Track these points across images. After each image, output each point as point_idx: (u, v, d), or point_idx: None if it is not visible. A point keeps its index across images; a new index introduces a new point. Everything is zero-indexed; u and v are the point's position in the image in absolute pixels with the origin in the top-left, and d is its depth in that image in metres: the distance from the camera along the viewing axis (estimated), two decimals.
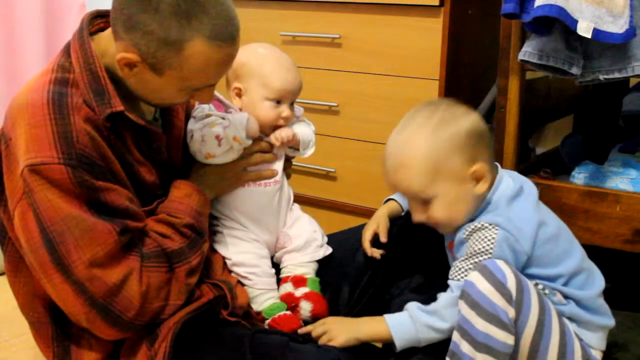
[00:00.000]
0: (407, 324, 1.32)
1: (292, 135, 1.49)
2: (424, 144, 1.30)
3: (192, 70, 1.23)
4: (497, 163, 1.41)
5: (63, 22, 2.29)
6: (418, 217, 1.37)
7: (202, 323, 1.32)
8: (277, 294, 1.48)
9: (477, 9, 2.16)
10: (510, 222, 1.30)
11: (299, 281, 1.49)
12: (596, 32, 1.48)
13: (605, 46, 1.53)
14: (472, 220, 1.35)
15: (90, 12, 1.36)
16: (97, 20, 1.35)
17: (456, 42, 2.09)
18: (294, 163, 1.63)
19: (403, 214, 1.56)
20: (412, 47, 2.13)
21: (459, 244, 1.36)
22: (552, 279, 1.33)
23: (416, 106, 1.39)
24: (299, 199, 1.65)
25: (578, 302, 1.34)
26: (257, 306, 1.45)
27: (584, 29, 1.47)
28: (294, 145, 1.52)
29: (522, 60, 1.60)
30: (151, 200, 1.36)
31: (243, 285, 1.46)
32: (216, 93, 1.47)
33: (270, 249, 1.54)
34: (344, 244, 1.58)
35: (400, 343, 1.32)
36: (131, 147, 1.32)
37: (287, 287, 1.49)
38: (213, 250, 1.47)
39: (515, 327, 1.24)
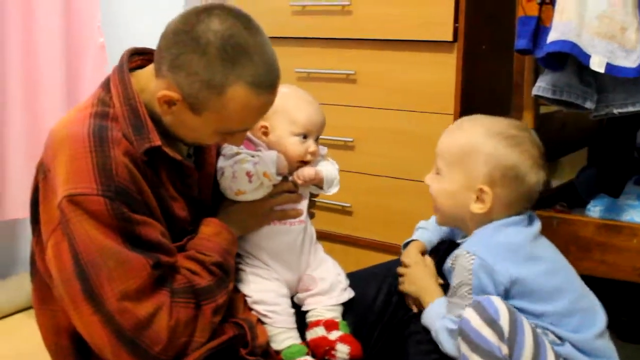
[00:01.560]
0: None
1: (314, 173, 1.51)
2: (482, 135, 1.35)
3: (230, 113, 1.26)
4: (532, 214, 1.41)
5: (82, 60, 2.32)
6: (428, 178, 1.43)
7: None
8: (297, 334, 1.48)
9: (491, 44, 2.18)
10: (488, 250, 1.31)
11: (331, 325, 1.49)
12: (609, 67, 1.49)
13: (618, 80, 1.54)
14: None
15: (129, 49, 1.40)
16: (135, 58, 1.39)
17: (470, 76, 2.10)
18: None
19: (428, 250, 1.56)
20: (427, 83, 2.14)
21: (447, 272, 1.40)
22: (537, 315, 1.30)
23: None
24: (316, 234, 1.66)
25: (574, 345, 1.31)
26: (276, 345, 1.45)
27: (597, 64, 1.48)
28: (317, 183, 1.54)
29: (536, 96, 1.62)
30: (181, 236, 1.38)
31: (263, 323, 1.46)
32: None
33: (291, 289, 1.54)
34: (361, 284, 1.58)
35: None
36: (166, 182, 1.34)
37: (319, 331, 1.48)
38: (235, 288, 1.48)
39: None
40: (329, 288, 1.53)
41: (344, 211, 2.37)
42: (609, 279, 1.62)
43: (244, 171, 1.42)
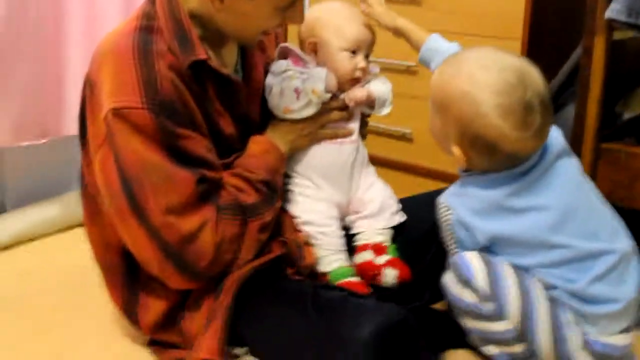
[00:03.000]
0: None
1: (366, 94, 1.47)
2: (459, 91, 1.24)
3: None
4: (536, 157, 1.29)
5: None
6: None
7: (267, 279, 1.33)
8: (345, 257, 1.47)
9: None
10: (466, 205, 1.27)
11: (379, 249, 1.47)
12: None
13: None
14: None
15: None
16: None
17: None
18: (370, 123, 1.61)
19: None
20: (493, 6, 2.05)
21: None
22: (524, 268, 1.26)
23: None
24: (374, 160, 1.63)
25: (566, 291, 1.25)
26: (323, 267, 1.45)
27: None
28: (368, 104, 1.50)
29: (609, 19, 1.53)
30: (229, 153, 1.37)
31: (311, 245, 1.46)
32: (294, 48, 1.48)
33: (341, 211, 1.52)
34: (414, 208, 1.55)
35: None
36: (212, 97, 1.33)
37: (367, 255, 1.47)
38: (283, 209, 1.47)
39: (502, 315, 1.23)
40: (378, 210, 1.51)
41: (404, 138, 2.33)
42: None
43: (292, 88, 1.40)
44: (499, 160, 1.25)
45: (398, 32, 1.56)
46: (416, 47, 1.53)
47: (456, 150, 1.27)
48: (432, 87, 1.31)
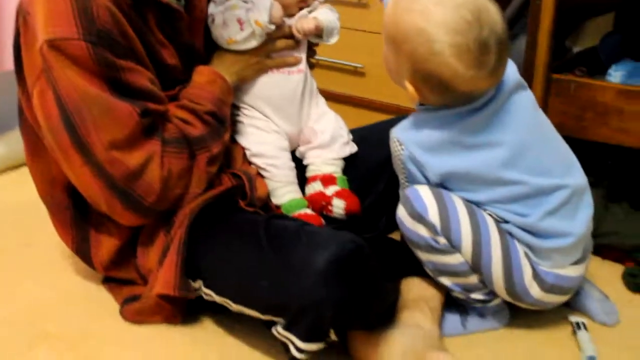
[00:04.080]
0: None
1: (314, 25, 1.44)
2: (413, 27, 1.18)
3: None
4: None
5: None
6: None
7: (220, 211, 1.32)
8: (297, 188, 1.47)
9: None
10: (417, 142, 1.26)
11: (328, 180, 1.47)
12: None
13: None
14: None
15: None
16: None
17: None
18: (321, 58, 1.59)
19: None
20: None
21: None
22: (477, 203, 1.27)
23: None
24: (326, 95, 1.61)
25: (518, 226, 1.26)
26: (276, 199, 1.44)
27: None
28: (317, 33, 1.47)
29: None
30: (173, 85, 1.34)
31: (263, 177, 1.45)
32: None
33: (292, 143, 1.51)
34: (365, 139, 1.55)
35: None
36: (153, 27, 1.29)
37: (316, 186, 1.47)
38: (233, 141, 1.46)
39: (456, 248, 1.25)
40: (329, 141, 1.49)
41: (357, 72, 2.31)
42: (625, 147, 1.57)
43: (235, 18, 1.37)
44: (453, 98, 1.23)
45: None
46: None
47: (409, 86, 1.24)
48: (385, 21, 1.26)
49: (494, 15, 1.19)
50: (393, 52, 1.25)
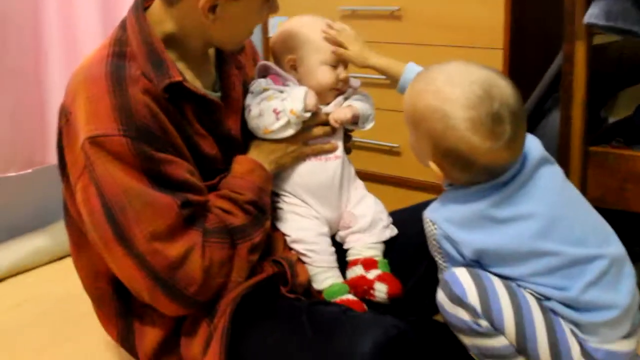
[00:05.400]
0: None
1: (350, 115, 1.47)
2: (427, 106, 1.23)
3: None
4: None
5: (120, 3, 2.31)
6: None
7: (262, 298, 1.32)
8: (338, 273, 1.46)
9: None
10: (449, 220, 1.26)
11: (369, 264, 1.46)
12: None
13: None
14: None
15: None
16: None
17: (519, 8, 2.02)
18: (357, 139, 1.61)
19: None
20: (474, 17, 2.07)
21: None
22: (514, 279, 1.24)
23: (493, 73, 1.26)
24: (363, 176, 1.63)
25: (559, 301, 1.23)
26: (317, 285, 1.44)
27: None
28: (354, 121, 1.50)
29: (588, 23, 1.53)
30: (213, 175, 1.36)
31: (304, 263, 1.45)
32: (274, 66, 1.48)
33: (332, 227, 1.52)
34: (405, 222, 1.54)
35: None
36: (191, 119, 1.32)
37: (357, 270, 1.46)
38: (274, 227, 1.46)
39: (499, 331, 1.22)
40: (369, 225, 1.50)
41: (392, 152, 2.33)
42: None
43: (271, 108, 1.40)
44: (476, 173, 1.24)
45: (375, 70, 1.56)
46: (395, 81, 1.54)
47: (433, 165, 1.26)
48: (404, 104, 1.31)
49: (505, 89, 1.22)
50: (414, 133, 1.29)
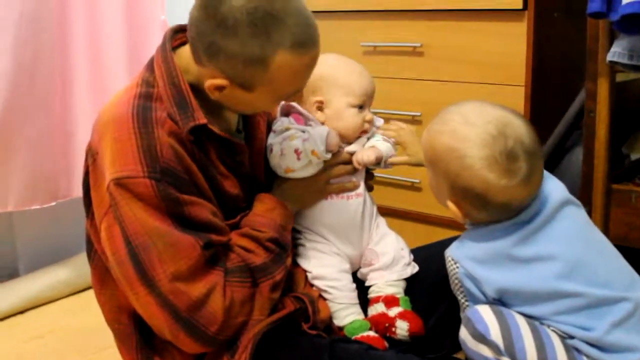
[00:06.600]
0: None
1: (374, 157, 1.48)
2: (444, 147, 1.25)
3: (281, 81, 1.25)
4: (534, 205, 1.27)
5: (145, 38, 2.34)
6: None
7: (283, 335, 1.32)
8: (359, 310, 1.46)
9: (562, 11, 2.09)
10: (471, 259, 1.26)
11: (391, 301, 1.46)
12: None
13: None
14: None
15: (173, 27, 1.38)
16: (179, 35, 1.37)
17: (541, 45, 2.03)
18: (377, 174, 1.61)
19: None
20: (496, 53, 2.08)
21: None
22: (538, 318, 1.23)
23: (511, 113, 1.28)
24: (384, 211, 1.63)
25: (584, 341, 1.22)
26: (338, 321, 1.43)
27: None
28: (377, 162, 1.51)
29: (611, 62, 1.54)
30: (235, 213, 1.37)
31: (325, 299, 1.45)
32: (296, 105, 1.49)
33: (354, 264, 1.52)
34: (426, 259, 1.54)
35: None
36: (215, 160, 1.33)
37: (379, 308, 1.46)
38: (295, 264, 1.47)
39: None
40: (391, 262, 1.50)
41: (413, 187, 2.33)
42: None
43: (292, 148, 1.40)
44: (494, 211, 1.25)
45: None
46: None
47: (451, 205, 1.28)
48: (422, 145, 1.34)
49: (519, 128, 1.23)
50: (432, 173, 1.31)
